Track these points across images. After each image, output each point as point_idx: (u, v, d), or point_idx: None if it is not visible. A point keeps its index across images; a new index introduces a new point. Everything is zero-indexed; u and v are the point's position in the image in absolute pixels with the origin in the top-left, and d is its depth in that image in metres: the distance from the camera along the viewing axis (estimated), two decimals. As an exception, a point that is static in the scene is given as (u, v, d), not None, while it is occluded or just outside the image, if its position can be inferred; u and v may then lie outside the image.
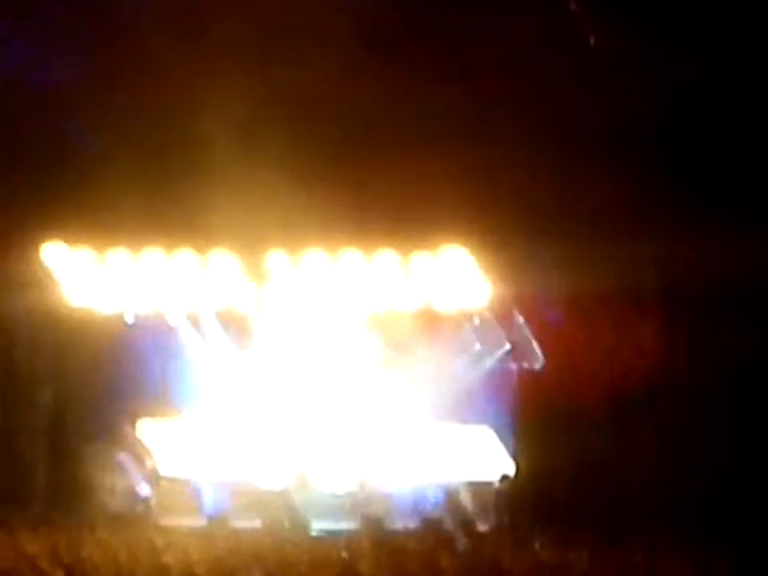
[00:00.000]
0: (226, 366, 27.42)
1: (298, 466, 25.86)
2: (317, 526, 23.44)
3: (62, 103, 24.09)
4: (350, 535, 21.94)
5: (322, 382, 27.32)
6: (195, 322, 26.92)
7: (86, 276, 24.47)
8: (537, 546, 19.98)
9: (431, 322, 25.72)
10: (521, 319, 25.24)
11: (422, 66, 22.90)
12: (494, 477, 25.65)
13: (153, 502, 25.62)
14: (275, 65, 22.95)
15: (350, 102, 22.85)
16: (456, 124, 22.77)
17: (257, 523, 23.79)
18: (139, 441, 26.12)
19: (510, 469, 24.83)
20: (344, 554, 18.37)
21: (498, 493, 25.29)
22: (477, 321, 25.75)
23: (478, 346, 26.67)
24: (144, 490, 25.67)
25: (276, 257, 24.19)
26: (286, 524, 23.66)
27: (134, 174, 22.50)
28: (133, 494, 25.56)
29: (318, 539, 21.71)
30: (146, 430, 26.67)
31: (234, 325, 26.83)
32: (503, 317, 25.33)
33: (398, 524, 23.76)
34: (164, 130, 23.29)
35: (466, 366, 26.81)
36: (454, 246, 23.59)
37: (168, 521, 24.12)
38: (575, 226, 22.59)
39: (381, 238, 23.61)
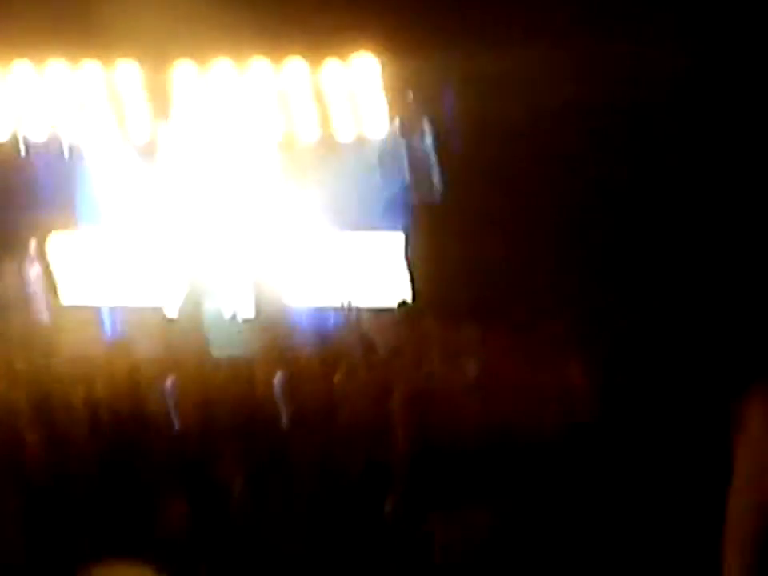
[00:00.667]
0: (128, 182, 26.86)
1: (194, 292, 25.35)
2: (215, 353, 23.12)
3: None
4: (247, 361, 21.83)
5: (223, 200, 26.78)
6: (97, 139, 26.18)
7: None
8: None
9: (331, 147, 25.17)
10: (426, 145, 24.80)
11: None
12: (392, 302, 25.15)
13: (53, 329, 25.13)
14: None
15: None
16: None
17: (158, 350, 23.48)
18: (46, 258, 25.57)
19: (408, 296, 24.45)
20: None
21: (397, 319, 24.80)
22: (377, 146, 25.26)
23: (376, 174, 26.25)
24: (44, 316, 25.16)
25: (182, 66, 23.23)
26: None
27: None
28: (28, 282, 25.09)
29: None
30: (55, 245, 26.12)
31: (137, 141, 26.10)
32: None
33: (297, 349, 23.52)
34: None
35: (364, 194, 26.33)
36: (364, 54, 22.83)
37: (69, 349, 23.78)
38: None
39: (291, 46, 22.77)
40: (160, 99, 24.15)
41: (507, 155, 22.23)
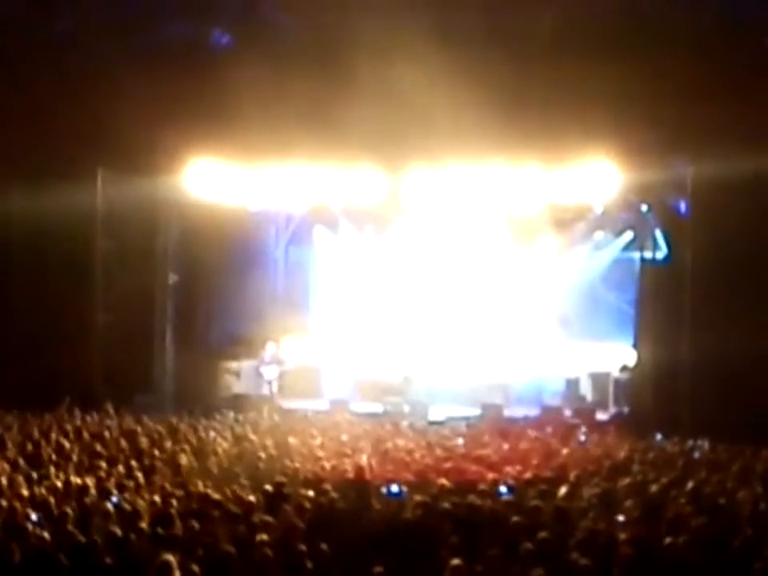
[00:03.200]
0: (357, 259, 27.87)
1: (420, 354, 26.08)
2: (436, 413, 23.63)
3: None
4: (468, 422, 22.17)
5: (449, 276, 27.55)
6: (332, 221, 27.47)
7: (233, 188, 24.64)
8: (657, 436, 19.95)
9: (558, 215, 25.50)
10: (646, 209, 24.80)
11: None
12: (613, 367, 25.55)
13: (279, 388, 26.10)
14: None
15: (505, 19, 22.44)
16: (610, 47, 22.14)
17: (378, 408, 24.15)
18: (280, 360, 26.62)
19: (632, 360, 24.64)
20: (460, 440, 18.58)
21: (617, 383, 25.19)
22: (600, 210, 25.42)
23: (600, 234, 26.56)
24: (271, 375, 26.15)
25: (419, 165, 23.97)
26: (406, 410, 23.94)
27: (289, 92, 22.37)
28: (260, 380, 26.08)
29: (437, 426, 21.90)
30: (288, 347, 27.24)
31: (371, 221, 27.18)
32: (628, 207, 24.95)
33: (519, 414, 23.88)
34: (313, 47, 23.09)
35: (590, 257, 26.73)
36: (596, 158, 23.01)
37: (293, 406, 24.58)
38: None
39: (529, 150, 23.13)
40: (395, 198, 24.77)
41: (746, 271, 21.75)
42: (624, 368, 25.10)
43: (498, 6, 22.48)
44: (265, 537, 10.20)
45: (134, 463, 14.58)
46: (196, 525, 10.74)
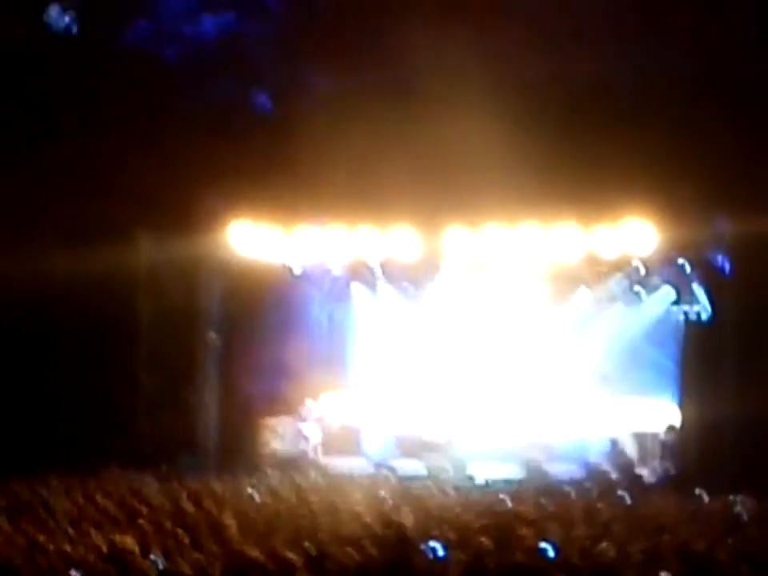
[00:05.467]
0: (396, 317, 27.93)
1: (463, 415, 26.01)
2: (481, 475, 23.50)
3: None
4: (513, 484, 22.02)
5: (488, 335, 27.57)
6: (371, 279, 27.57)
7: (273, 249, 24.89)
8: (703, 497, 19.73)
9: (595, 269, 25.47)
10: (686, 265, 24.71)
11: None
12: (659, 427, 25.36)
13: (320, 446, 26.10)
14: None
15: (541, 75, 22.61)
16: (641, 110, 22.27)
17: (422, 470, 24.06)
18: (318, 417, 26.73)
19: (677, 419, 24.47)
20: (508, 502, 18.46)
21: (664, 443, 25.00)
22: (640, 266, 25.34)
23: (640, 290, 26.44)
24: (312, 433, 26.18)
25: (456, 228, 24.13)
26: (450, 472, 23.83)
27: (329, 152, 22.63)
28: (301, 438, 26.11)
29: (481, 487, 21.80)
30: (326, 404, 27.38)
31: (408, 279, 27.24)
32: (667, 262, 24.88)
33: (562, 473, 23.73)
34: (353, 107, 23.36)
35: (630, 312, 26.63)
36: (634, 219, 23.06)
37: (334, 464, 24.56)
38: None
39: (564, 208, 23.23)
40: (432, 256, 24.90)
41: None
42: (671, 428, 24.88)
43: (539, 61, 22.63)
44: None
45: (177, 524, 14.59)
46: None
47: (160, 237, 23.52)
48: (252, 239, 24.43)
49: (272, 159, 22.78)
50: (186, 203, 22.66)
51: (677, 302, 25.61)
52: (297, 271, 26.39)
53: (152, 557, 12.18)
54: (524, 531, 13.74)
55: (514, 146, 21.35)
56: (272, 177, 22.86)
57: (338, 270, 27.08)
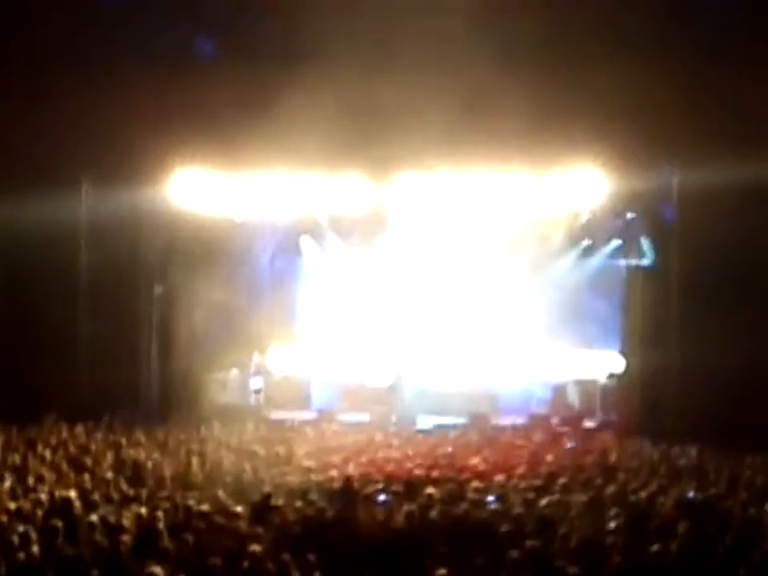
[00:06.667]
0: (344, 270, 27.88)
1: (406, 362, 26.08)
2: (424, 422, 23.64)
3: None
4: (456, 431, 22.17)
5: (434, 287, 27.61)
6: (319, 233, 27.43)
7: (218, 199, 24.64)
8: (645, 443, 19.97)
9: (543, 220, 25.49)
10: (633, 217, 24.84)
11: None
12: (600, 374, 25.62)
13: (266, 398, 26.09)
14: None
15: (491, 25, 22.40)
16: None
17: (365, 418, 24.13)
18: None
19: (618, 366, 24.71)
20: (450, 449, 18.56)
21: (606, 391, 25.25)
22: (587, 218, 25.43)
23: (587, 243, 26.57)
24: (256, 383, 26.17)
25: (405, 173, 23.97)
26: (393, 419, 23.93)
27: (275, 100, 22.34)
28: (247, 390, 26.09)
29: (425, 434, 21.90)
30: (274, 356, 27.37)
31: (357, 231, 27.17)
32: (615, 214, 24.97)
33: (505, 420, 23.92)
34: (298, 54, 23.05)
35: (576, 264, 26.76)
36: (582, 166, 23.06)
37: (278, 414, 24.56)
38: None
39: (514, 157, 23.16)
40: (381, 207, 24.79)
41: (731, 277, 21.81)
42: (611, 375, 25.16)
43: (484, 12, 22.45)
44: (256, 548, 10.16)
45: (120, 476, 14.52)
46: (182, 537, 10.69)
47: (103, 185, 23.19)
48: (197, 189, 24.17)
49: (216, 106, 22.49)
50: (129, 150, 22.34)
51: (623, 254, 25.75)
52: (242, 222, 26.18)
53: (96, 509, 12.13)
54: (469, 482, 13.82)
55: (464, 93, 21.27)
56: (216, 124, 22.60)
57: (284, 221, 26.87)
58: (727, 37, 22.31)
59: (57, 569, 9.64)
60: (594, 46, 22.06)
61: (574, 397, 25.78)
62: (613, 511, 12.15)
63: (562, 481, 14.20)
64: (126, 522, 11.25)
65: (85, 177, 23.49)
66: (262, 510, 12.27)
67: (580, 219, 25.55)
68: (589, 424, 24.09)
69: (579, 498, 12.93)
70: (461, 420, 23.61)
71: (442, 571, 9.51)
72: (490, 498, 13.02)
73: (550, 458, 17.35)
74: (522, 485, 13.98)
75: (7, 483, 13.85)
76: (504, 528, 11.21)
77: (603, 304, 26.53)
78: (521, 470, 15.77)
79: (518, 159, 23.26)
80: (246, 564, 9.90)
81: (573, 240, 26.43)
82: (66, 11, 23.75)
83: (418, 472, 15.37)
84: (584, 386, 25.82)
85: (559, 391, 25.74)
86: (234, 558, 10.02)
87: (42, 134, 22.64)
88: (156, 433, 19.79)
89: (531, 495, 12.92)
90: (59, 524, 10.92)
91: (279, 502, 12.64)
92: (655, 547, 10.27)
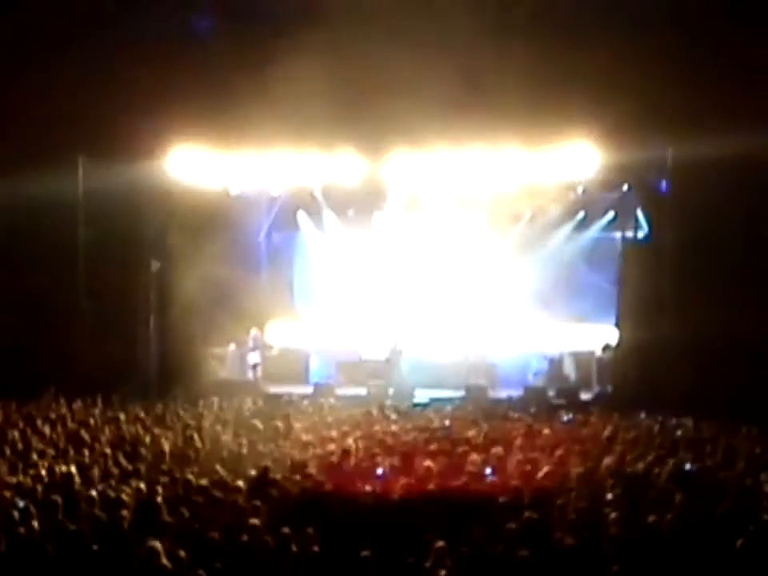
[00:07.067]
0: (340, 244, 27.90)
1: (403, 336, 26.12)
2: (421, 395, 23.70)
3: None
4: (453, 404, 22.22)
5: (431, 261, 27.65)
6: (315, 207, 27.44)
7: (214, 174, 24.60)
8: (641, 415, 20.02)
9: (537, 194, 25.46)
10: (627, 190, 24.86)
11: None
12: (596, 346, 25.68)
13: (264, 373, 26.13)
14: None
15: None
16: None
17: (362, 392, 24.19)
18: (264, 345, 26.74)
19: (613, 339, 24.76)
20: (447, 422, 18.62)
21: (601, 363, 25.31)
22: (581, 191, 25.44)
23: (581, 215, 26.59)
24: (253, 358, 26.21)
25: (400, 148, 23.96)
26: (391, 392, 23.99)
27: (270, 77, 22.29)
28: (245, 365, 26.14)
29: (422, 407, 21.96)
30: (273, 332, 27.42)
31: (352, 205, 27.20)
32: (609, 187, 24.98)
33: (502, 393, 23.98)
34: (293, 31, 22.98)
35: (571, 237, 26.78)
36: (577, 139, 23.05)
37: (276, 388, 24.61)
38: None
39: (508, 131, 23.14)
40: (376, 182, 24.80)
41: (726, 250, 21.88)
42: (606, 347, 25.22)
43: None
44: (255, 521, 10.22)
45: (118, 451, 14.57)
46: (181, 511, 10.75)
47: (100, 161, 23.16)
48: (194, 165, 24.17)
49: (212, 84, 22.48)
50: (126, 128, 22.32)
51: (618, 227, 25.79)
52: (238, 196, 26.17)
53: (95, 484, 12.18)
54: (466, 455, 13.87)
55: (459, 68, 21.25)
56: (214, 102, 22.58)
57: (280, 195, 26.84)
58: (720, 11, 22.30)
59: (57, 543, 9.70)
60: (588, 21, 22.06)
61: (570, 369, 25.84)
62: (609, 483, 12.23)
63: (558, 453, 14.27)
64: (126, 496, 11.32)
65: (82, 153, 23.45)
66: (260, 483, 12.34)
67: (575, 192, 25.59)
68: (585, 396, 24.14)
69: (576, 470, 13.00)
70: (458, 393, 23.66)
71: (440, 543, 9.58)
72: (488, 471, 13.07)
73: (546, 430, 17.41)
74: (519, 457, 14.05)
75: (6, 458, 13.94)
76: (501, 500, 11.28)
77: (598, 277, 26.55)
78: (518, 442, 15.84)
79: (513, 133, 23.23)
80: (244, 537, 9.97)
81: (568, 213, 26.45)
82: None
83: (415, 445, 15.43)
84: (580, 358, 25.88)
85: (555, 364, 25.80)
86: (233, 531, 10.10)
87: (39, 112, 22.62)
88: (154, 408, 19.86)
89: (528, 467, 12.99)
90: (59, 499, 11.00)
91: (278, 475, 12.72)
92: (652, 518, 10.34)
